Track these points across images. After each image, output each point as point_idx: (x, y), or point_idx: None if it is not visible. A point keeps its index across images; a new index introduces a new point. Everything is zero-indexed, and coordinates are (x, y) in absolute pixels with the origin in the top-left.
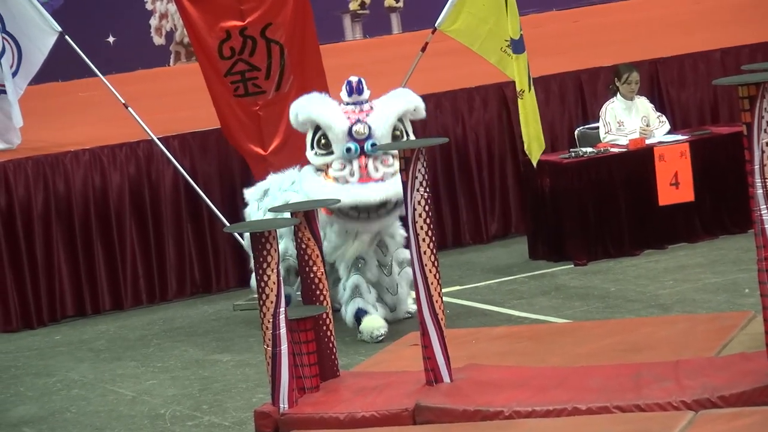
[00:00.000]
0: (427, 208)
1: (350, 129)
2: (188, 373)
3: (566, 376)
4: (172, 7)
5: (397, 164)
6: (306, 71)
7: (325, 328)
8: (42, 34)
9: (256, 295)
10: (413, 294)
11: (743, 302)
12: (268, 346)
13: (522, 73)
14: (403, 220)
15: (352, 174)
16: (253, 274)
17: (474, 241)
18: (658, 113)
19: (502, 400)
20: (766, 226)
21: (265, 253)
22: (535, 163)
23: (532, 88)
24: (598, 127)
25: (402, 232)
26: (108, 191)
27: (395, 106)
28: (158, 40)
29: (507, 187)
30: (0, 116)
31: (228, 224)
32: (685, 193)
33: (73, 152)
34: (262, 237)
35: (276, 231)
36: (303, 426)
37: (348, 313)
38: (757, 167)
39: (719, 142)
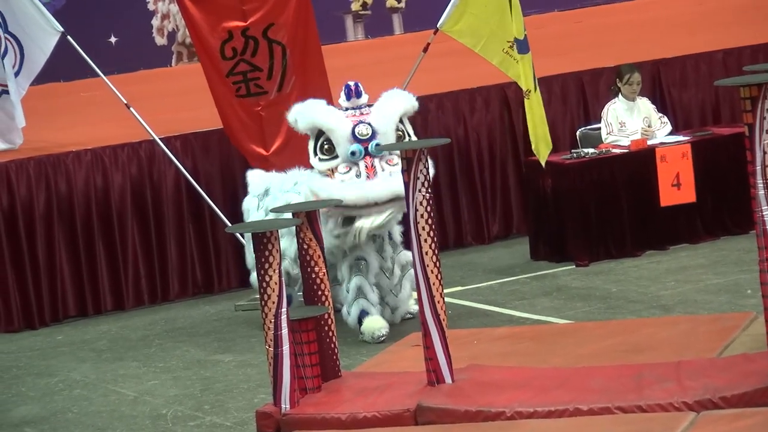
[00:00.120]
0: (428, 208)
1: (353, 131)
2: (190, 373)
3: (568, 377)
4: (174, 8)
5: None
6: (308, 72)
7: (326, 328)
8: (44, 34)
9: (258, 296)
10: (415, 295)
11: (745, 303)
12: (269, 347)
13: (528, 73)
14: (404, 220)
15: (358, 175)
16: (252, 276)
17: (475, 241)
18: (660, 114)
19: (503, 400)
20: (767, 227)
21: (267, 253)
22: (543, 163)
23: (538, 88)
24: (599, 128)
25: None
26: (110, 191)
27: (396, 106)
28: (160, 41)
29: (508, 188)
30: (2, 116)
31: (230, 224)
32: (687, 194)
33: (75, 152)
34: (264, 237)
35: (278, 231)
36: (305, 426)
37: (352, 314)
38: (758, 168)
39: (721, 143)
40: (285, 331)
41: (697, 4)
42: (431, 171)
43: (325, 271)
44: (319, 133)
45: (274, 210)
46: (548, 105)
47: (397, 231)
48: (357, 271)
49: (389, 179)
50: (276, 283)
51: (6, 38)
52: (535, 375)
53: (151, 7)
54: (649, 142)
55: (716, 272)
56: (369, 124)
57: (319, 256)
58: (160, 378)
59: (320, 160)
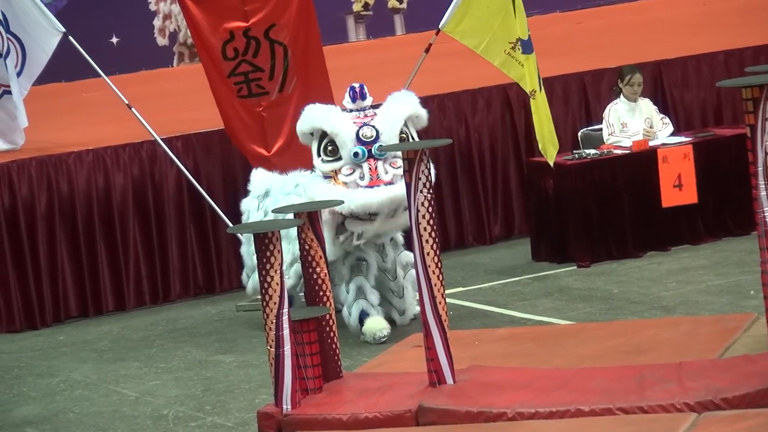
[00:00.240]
0: (430, 209)
1: (357, 133)
2: (191, 373)
3: (569, 378)
4: (176, 8)
5: None
6: (309, 72)
7: (328, 329)
8: (46, 34)
9: (259, 296)
10: (417, 296)
11: (746, 304)
12: (271, 347)
13: (532, 73)
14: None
15: (362, 177)
16: (243, 275)
17: (477, 242)
18: (662, 115)
19: (505, 401)
20: None
21: (268, 254)
22: (552, 163)
23: (543, 88)
24: (601, 129)
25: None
26: (111, 192)
27: (401, 110)
28: (162, 41)
29: (510, 189)
30: (4, 117)
31: (231, 225)
32: (689, 195)
33: (76, 153)
34: (266, 238)
35: (279, 232)
36: (306, 427)
37: (352, 315)
38: (760, 169)
39: (722, 144)
40: (286, 332)
41: (699, 5)
42: (432, 174)
43: (326, 271)
44: (323, 135)
45: (275, 210)
46: (550, 106)
47: (398, 233)
48: (357, 272)
49: (391, 187)
50: (277, 284)
51: (8, 38)
52: (536, 376)
53: (152, 7)
54: (651, 143)
55: (718, 273)
56: (373, 126)
57: (321, 257)
58: (162, 378)
59: (323, 161)
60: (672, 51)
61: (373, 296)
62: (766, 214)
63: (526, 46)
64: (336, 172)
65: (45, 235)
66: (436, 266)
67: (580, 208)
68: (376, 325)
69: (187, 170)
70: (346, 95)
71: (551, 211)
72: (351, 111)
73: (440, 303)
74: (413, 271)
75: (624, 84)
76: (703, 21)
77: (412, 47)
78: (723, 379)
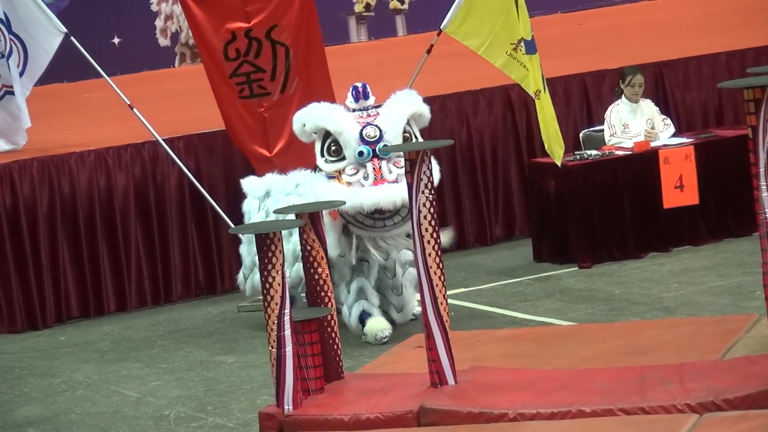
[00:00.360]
0: (432, 210)
1: (361, 132)
2: (193, 374)
3: (571, 379)
4: (178, 9)
5: None
6: (311, 73)
7: (329, 329)
8: (47, 35)
9: (261, 297)
10: (418, 296)
11: (748, 305)
12: (272, 348)
13: (537, 74)
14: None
15: (366, 177)
16: (239, 275)
17: (478, 243)
18: (663, 116)
19: (506, 402)
20: None
21: (270, 254)
22: (559, 163)
23: (547, 88)
24: (602, 130)
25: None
26: (113, 192)
27: (404, 109)
28: (163, 42)
29: (511, 190)
30: (6, 117)
31: (233, 225)
32: (690, 196)
33: (78, 153)
34: (267, 238)
35: (281, 232)
36: (307, 427)
37: (353, 315)
38: (762, 170)
39: (724, 145)
40: (288, 333)
41: (701, 5)
42: (437, 177)
43: (328, 272)
44: (327, 135)
45: (277, 211)
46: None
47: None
48: (359, 273)
49: (397, 185)
50: (279, 285)
51: (10, 39)
52: (537, 377)
53: (154, 8)
54: (652, 144)
55: (719, 274)
56: (377, 126)
57: (322, 258)
58: (163, 379)
59: (327, 161)
60: (673, 52)
61: (374, 297)
62: (767, 215)
63: (530, 47)
64: (340, 172)
65: (46, 235)
66: (438, 267)
67: (582, 208)
68: (378, 325)
69: (189, 171)
70: (349, 95)
71: (552, 212)
72: (354, 110)
73: (442, 304)
74: (412, 270)
75: (625, 85)
76: (705, 22)
77: (414, 48)
78: (724, 380)
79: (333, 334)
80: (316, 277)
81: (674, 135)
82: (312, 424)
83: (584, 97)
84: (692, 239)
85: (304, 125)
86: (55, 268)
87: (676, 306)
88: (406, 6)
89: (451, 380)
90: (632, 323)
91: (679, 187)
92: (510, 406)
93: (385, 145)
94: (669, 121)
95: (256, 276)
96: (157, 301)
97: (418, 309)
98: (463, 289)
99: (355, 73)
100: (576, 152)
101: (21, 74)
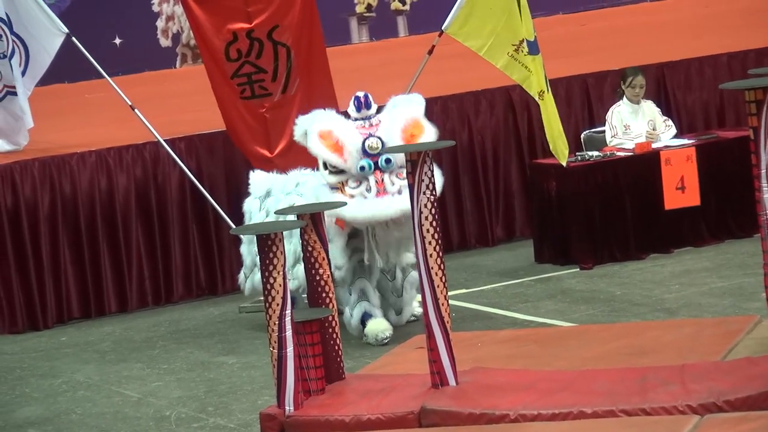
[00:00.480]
0: (433, 211)
1: (363, 145)
2: (194, 375)
3: (572, 380)
4: (179, 9)
5: None
6: (312, 73)
7: (331, 330)
8: (49, 35)
9: (262, 298)
10: (419, 297)
11: (749, 306)
12: (273, 349)
13: (539, 74)
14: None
15: (368, 190)
16: (240, 275)
17: (479, 244)
18: (665, 117)
19: (507, 403)
20: None
21: (271, 255)
22: (564, 163)
23: (550, 88)
24: (604, 131)
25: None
26: (114, 193)
27: (405, 115)
28: (165, 42)
29: (513, 191)
30: (7, 117)
31: (234, 226)
32: (691, 197)
33: (79, 154)
34: (268, 239)
35: (282, 233)
36: (308, 428)
37: (354, 316)
38: (763, 171)
39: (725, 146)
40: (289, 333)
41: (703, 7)
42: (440, 180)
43: (329, 273)
44: None
45: (278, 212)
46: None
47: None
48: (360, 274)
49: (398, 197)
50: (280, 285)
51: (12, 40)
52: (539, 378)
53: (155, 8)
54: (654, 146)
55: (720, 275)
56: (379, 138)
57: (324, 258)
58: (164, 380)
59: (330, 173)
60: (675, 53)
61: (376, 298)
62: None
63: (533, 47)
64: (343, 184)
65: (48, 235)
66: (439, 268)
67: (583, 210)
68: (379, 326)
69: (190, 171)
70: (351, 104)
71: (554, 213)
72: (356, 120)
73: (443, 305)
74: (414, 273)
75: (626, 86)
76: (706, 23)
77: (415, 49)
78: (726, 382)
79: (334, 335)
80: (317, 277)
81: (676, 136)
82: (313, 425)
83: (586, 98)
84: (693, 240)
85: (307, 132)
86: (56, 269)
87: (677, 307)
88: (407, 7)
89: (452, 381)
90: (633, 324)
91: (681, 189)
92: (511, 407)
93: (387, 159)
94: (670, 122)
95: (257, 276)
96: (158, 301)
97: (419, 310)
98: (464, 290)
99: (356, 74)
100: (577, 153)
101: (23, 75)
